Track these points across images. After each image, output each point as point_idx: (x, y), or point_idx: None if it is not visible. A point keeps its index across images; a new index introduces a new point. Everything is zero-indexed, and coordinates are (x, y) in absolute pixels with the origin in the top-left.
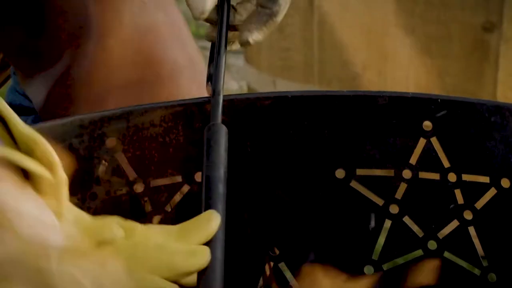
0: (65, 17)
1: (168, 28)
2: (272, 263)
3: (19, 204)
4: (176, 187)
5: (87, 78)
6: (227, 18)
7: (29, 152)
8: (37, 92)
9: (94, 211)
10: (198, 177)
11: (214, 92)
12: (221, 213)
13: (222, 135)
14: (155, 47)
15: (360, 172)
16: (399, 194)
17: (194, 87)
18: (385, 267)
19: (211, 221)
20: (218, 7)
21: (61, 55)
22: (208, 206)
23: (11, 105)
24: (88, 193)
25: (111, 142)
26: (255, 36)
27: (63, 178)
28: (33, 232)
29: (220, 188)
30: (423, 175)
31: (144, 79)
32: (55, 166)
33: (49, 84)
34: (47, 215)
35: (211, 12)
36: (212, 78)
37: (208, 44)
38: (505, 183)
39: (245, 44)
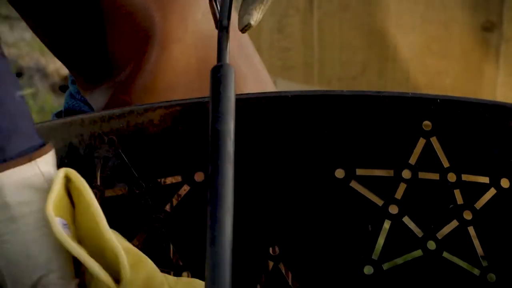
0: (132, 26)
1: (231, 36)
2: (271, 263)
3: None
4: (176, 187)
5: (151, 84)
6: None
7: (92, 239)
8: (99, 99)
9: None
10: (197, 177)
11: (221, 25)
12: (230, 174)
13: (232, 79)
14: None
15: (359, 172)
16: (398, 194)
17: None
18: (385, 267)
19: None
20: None
21: (127, 63)
22: (216, 166)
23: (70, 110)
24: None
25: (111, 141)
26: (255, 17)
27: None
28: None
29: (229, 145)
30: (422, 175)
31: (207, 86)
32: (123, 281)
33: (111, 91)
34: None
35: None
36: (219, 11)
37: None
38: (504, 183)
39: (247, 27)
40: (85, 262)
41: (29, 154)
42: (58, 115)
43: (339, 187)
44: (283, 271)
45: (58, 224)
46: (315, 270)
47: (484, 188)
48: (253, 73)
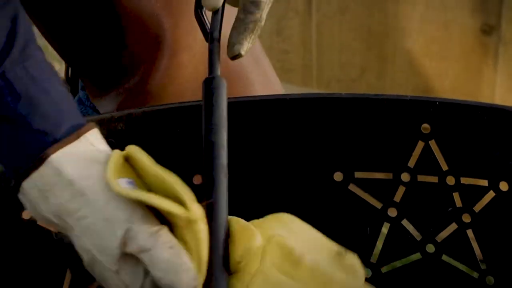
0: (142, 32)
1: None
2: None
3: (152, 249)
4: None
5: (160, 92)
6: None
7: (160, 191)
8: (109, 105)
9: None
10: (196, 180)
11: (212, 37)
12: (224, 187)
13: (224, 91)
14: (228, 62)
15: (358, 175)
16: (397, 197)
17: None
18: (383, 270)
19: None
20: None
21: (137, 70)
22: (210, 179)
23: None
24: None
25: (110, 144)
26: (246, 47)
27: (198, 214)
28: (165, 277)
29: (223, 157)
30: (421, 178)
31: None
32: (187, 203)
33: (121, 97)
34: (181, 258)
35: None
36: (208, 23)
37: None
38: (503, 186)
39: (237, 57)
40: (153, 203)
41: (76, 131)
42: None
43: (337, 190)
44: None
45: (120, 182)
46: None
47: (483, 191)
48: (263, 79)
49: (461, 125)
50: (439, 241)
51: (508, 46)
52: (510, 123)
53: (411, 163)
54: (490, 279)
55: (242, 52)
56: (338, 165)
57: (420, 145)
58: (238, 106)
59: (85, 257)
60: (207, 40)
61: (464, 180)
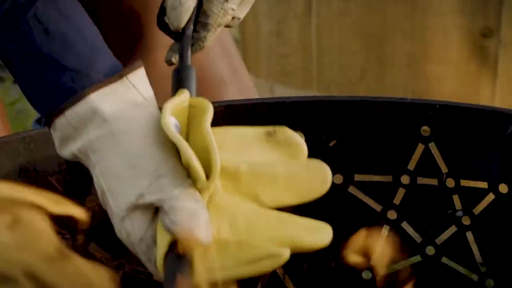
0: (120, 29)
1: (217, 44)
2: None
3: (177, 198)
4: None
5: None
6: None
7: (197, 149)
8: None
9: (93, 213)
10: None
11: (185, 33)
12: None
13: (193, 80)
14: (204, 63)
15: (358, 177)
16: (397, 200)
17: None
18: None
19: (323, 175)
20: None
21: None
22: None
23: None
24: (86, 197)
25: None
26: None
27: (217, 189)
28: (185, 223)
29: None
30: (421, 180)
31: None
32: (213, 175)
33: None
34: (204, 210)
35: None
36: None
37: None
38: (503, 188)
39: (168, 63)
40: (185, 153)
41: (118, 72)
42: (39, 121)
43: (337, 192)
44: (281, 275)
45: (169, 120)
46: (313, 274)
47: (483, 193)
48: (235, 79)
49: (461, 128)
50: (439, 243)
51: (508, 49)
52: (510, 126)
53: (411, 165)
54: (490, 282)
55: (173, 60)
56: (337, 167)
57: (420, 147)
58: (238, 109)
59: (99, 195)
60: (175, 39)
61: (463, 183)
